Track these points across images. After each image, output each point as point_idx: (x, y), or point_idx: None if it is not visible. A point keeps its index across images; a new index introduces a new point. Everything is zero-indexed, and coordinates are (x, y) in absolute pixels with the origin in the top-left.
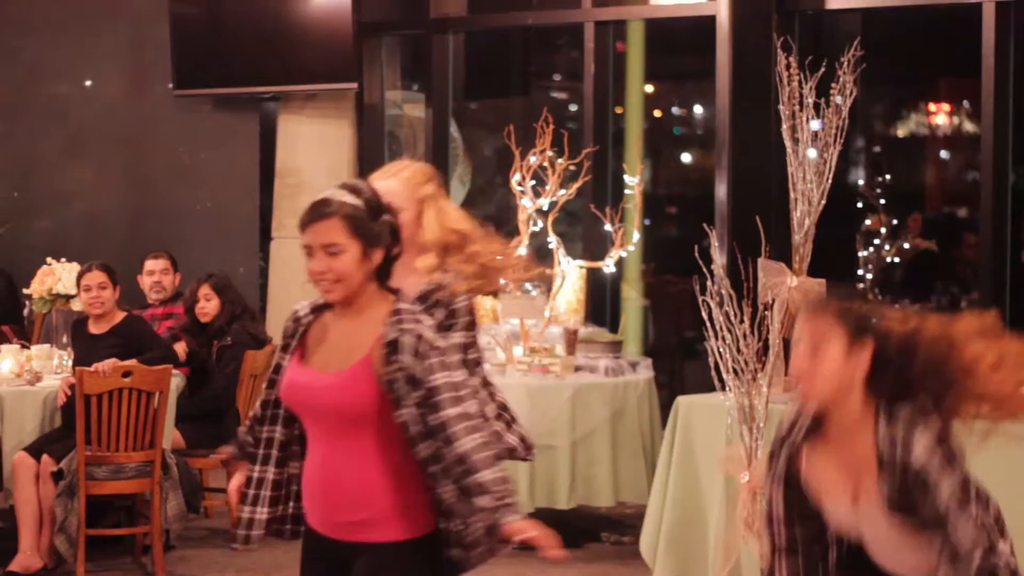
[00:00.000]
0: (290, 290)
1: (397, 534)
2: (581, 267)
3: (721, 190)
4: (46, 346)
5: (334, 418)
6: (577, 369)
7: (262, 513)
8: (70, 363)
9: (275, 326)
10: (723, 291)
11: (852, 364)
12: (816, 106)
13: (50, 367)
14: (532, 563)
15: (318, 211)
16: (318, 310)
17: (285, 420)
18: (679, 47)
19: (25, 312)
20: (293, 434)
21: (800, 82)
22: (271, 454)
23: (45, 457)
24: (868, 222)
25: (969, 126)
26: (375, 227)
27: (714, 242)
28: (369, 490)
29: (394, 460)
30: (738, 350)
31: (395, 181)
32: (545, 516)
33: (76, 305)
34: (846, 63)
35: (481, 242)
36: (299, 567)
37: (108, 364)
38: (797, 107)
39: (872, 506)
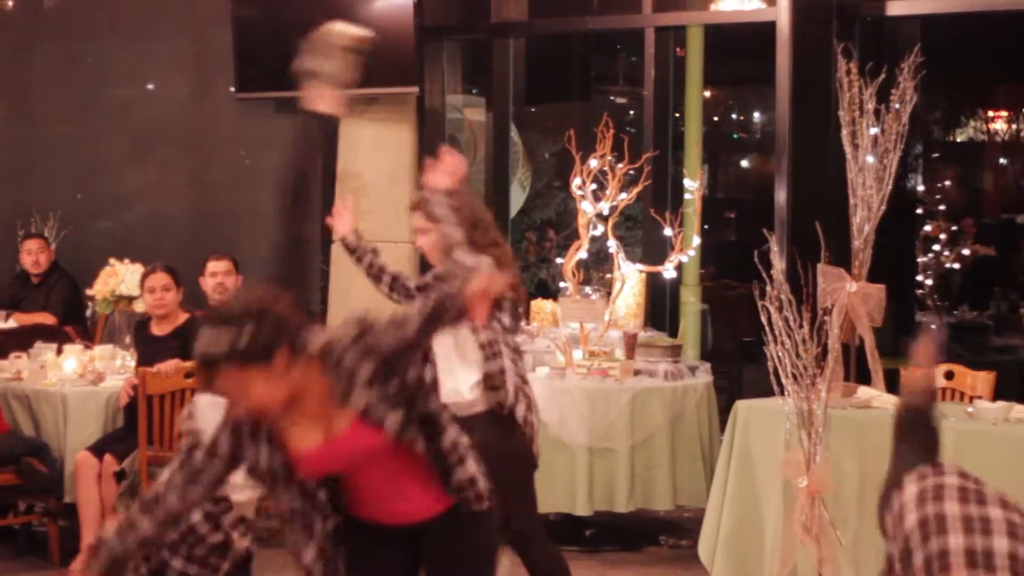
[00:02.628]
0: (351, 293)
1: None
2: (641, 271)
3: (781, 195)
4: (109, 347)
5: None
6: (636, 373)
7: None
8: (133, 364)
9: None
10: (782, 296)
11: None
12: (876, 112)
13: (113, 368)
14: (590, 565)
15: (207, 371)
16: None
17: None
18: (738, 53)
19: (88, 313)
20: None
21: (860, 88)
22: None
23: (107, 457)
24: (927, 228)
25: None
26: (262, 347)
27: (774, 247)
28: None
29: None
30: (797, 355)
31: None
32: (604, 519)
33: (139, 306)
34: (906, 69)
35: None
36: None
37: (170, 365)
38: (857, 113)
39: None
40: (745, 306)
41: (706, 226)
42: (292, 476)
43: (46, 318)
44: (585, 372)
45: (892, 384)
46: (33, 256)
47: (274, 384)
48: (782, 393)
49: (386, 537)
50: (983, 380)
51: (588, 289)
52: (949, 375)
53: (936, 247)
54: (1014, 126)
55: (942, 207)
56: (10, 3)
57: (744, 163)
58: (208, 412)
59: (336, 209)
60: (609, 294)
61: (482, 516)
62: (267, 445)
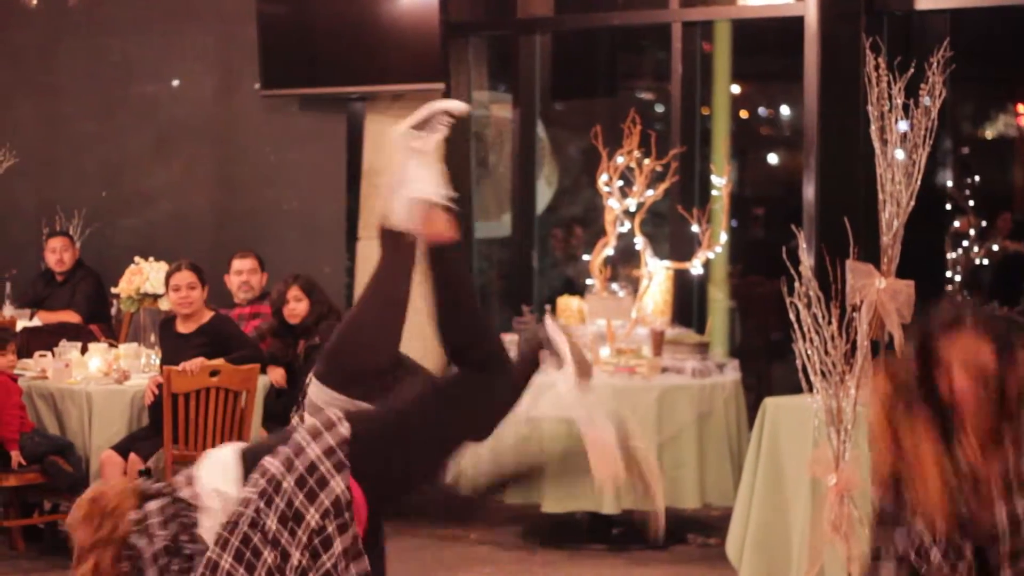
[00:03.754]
0: None
1: None
2: (668, 268)
3: (809, 191)
4: (134, 345)
5: None
6: (664, 370)
7: None
8: (158, 362)
9: None
10: (811, 293)
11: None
12: (905, 107)
13: (138, 366)
14: (617, 564)
15: None
16: None
17: None
18: (766, 48)
19: (113, 311)
20: None
21: (889, 83)
22: None
23: (133, 455)
24: (957, 224)
25: None
26: None
27: (802, 243)
28: None
29: None
30: (826, 352)
31: None
32: (631, 518)
33: (164, 304)
34: (935, 64)
35: None
36: None
37: (196, 363)
38: (886, 108)
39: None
40: (773, 303)
41: (734, 222)
42: None
43: (71, 316)
44: (612, 369)
45: None
46: (57, 255)
47: None
48: (810, 390)
49: None
50: None
51: (615, 286)
52: None
53: (965, 243)
54: None
55: (971, 203)
56: (35, 1)
57: (772, 159)
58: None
59: None
60: (636, 291)
61: None
62: None
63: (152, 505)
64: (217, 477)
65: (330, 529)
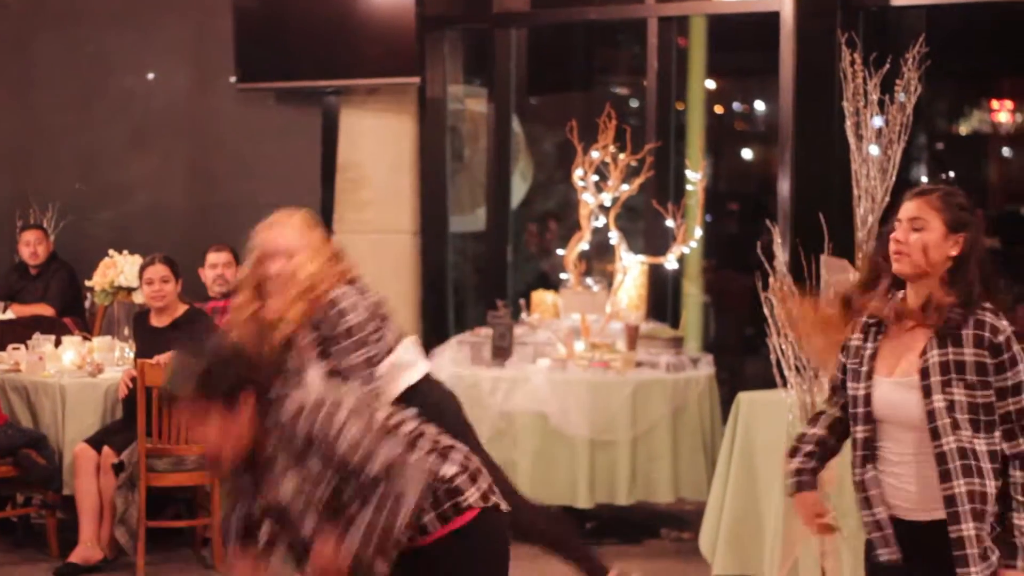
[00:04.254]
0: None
1: None
2: (643, 263)
3: (784, 186)
4: (108, 338)
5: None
6: (638, 365)
7: None
8: (132, 355)
9: None
10: (785, 287)
11: (943, 250)
12: (880, 103)
13: (112, 359)
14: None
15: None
16: None
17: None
18: (741, 43)
19: (87, 304)
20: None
21: (864, 78)
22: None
23: (106, 449)
24: None
25: None
26: (225, 386)
27: (777, 238)
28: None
29: None
30: (800, 347)
31: (287, 228)
32: (605, 512)
33: (138, 298)
34: (911, 60)
35: None
36: None
37: (169, 357)
38: (861, 103)
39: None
40: (748, 298)
41: (709, 217)
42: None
43: (44, 309)
44: (586, 364)
45: None
46: (31, 248)
47: (231, 427)
48: (784, 385)
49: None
50: None
51: (590, 280)
52: None
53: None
54: (1018, 117)
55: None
56: None
57: (747, 154)
58: None
59: None
60: (611, 285)
61: None
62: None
63: None
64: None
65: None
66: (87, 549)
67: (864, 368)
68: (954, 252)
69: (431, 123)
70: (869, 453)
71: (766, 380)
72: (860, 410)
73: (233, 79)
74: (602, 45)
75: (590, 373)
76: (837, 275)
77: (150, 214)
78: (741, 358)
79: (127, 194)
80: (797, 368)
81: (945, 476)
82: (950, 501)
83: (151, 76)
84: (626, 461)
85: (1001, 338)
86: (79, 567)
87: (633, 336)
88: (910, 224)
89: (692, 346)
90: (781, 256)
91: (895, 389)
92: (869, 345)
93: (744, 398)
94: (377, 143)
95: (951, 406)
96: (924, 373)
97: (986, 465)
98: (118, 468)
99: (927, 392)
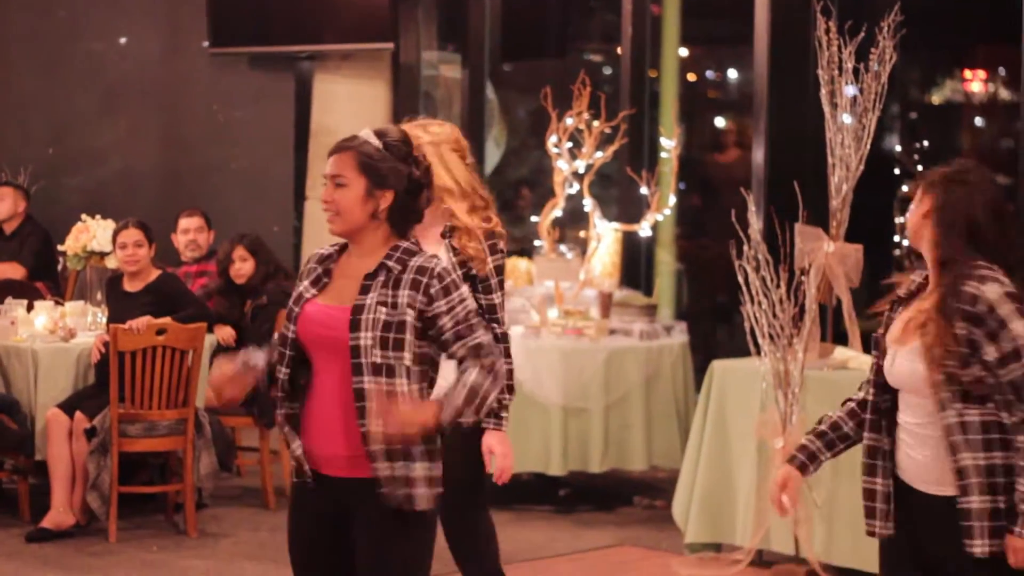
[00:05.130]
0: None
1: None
2: (616, 230)
3: (758, 155)
4: (80, 303)
5: (339, 354)
6: (611, 332)
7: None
8: (104, 320)
9: None
10: (759, 256)
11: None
12: (855, 71)
13: (84, 324)
14: (563, 525)
15: (340, 144)
16: (342, 251)
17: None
18: (715, 11)
19: (59, 268)
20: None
21: (839, 47)
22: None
23: (78, 414)
24: (905, 189)
25: (1005, 93)
26: (385, 168)
27: (751, 207)
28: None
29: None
30: (774, 315)
31: (424, 133)
32: (578, 479)
33: (111, 262)
34: (885, 28)
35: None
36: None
37: (142, 322)
38: (836, 72)
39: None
40: (722, 266)
41: (683, 185)
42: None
43: (14, 270)
44: (560, 331)
45: (868, 346)
46: (5, 203)
47: (363, 203)
48: (758, 353)
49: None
50: None
51: (563, 248)
52: None
53: (913, 207)
54: (991, 86)
55: (920, 168)
56: None
57: (720, 122)
58: None
59: None
60: (584, 253)
61: (411, 518)
62: (308, 280)
63: None
64: None
65: None
66: (59, 514)
67: (884, 337)
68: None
69: (405, 89)
70: (881, 420)
71: (740, 348)
72: (876, 378)
73: (206, 43)
74: (576, 12)
75: (563, 340)
76: (811, 243)
77: (122, 179)
78: (714, 326)
79: (99, 159)
80: (771, 336)
81: (953, 448)
82: (959, 473)
83: (123, 40)
84: (599, 428)
85: (982, 307)
86: (51, 532)
87: (606, 303)
88: (919, 207)
89: (665, 314)
90: (755, 224)
91: (908, 359)
92: (892, 316)
93: (717, 366)
94: (351, 108)
95: (949, 378)
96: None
97: (993, 436)
98: (90, 433)
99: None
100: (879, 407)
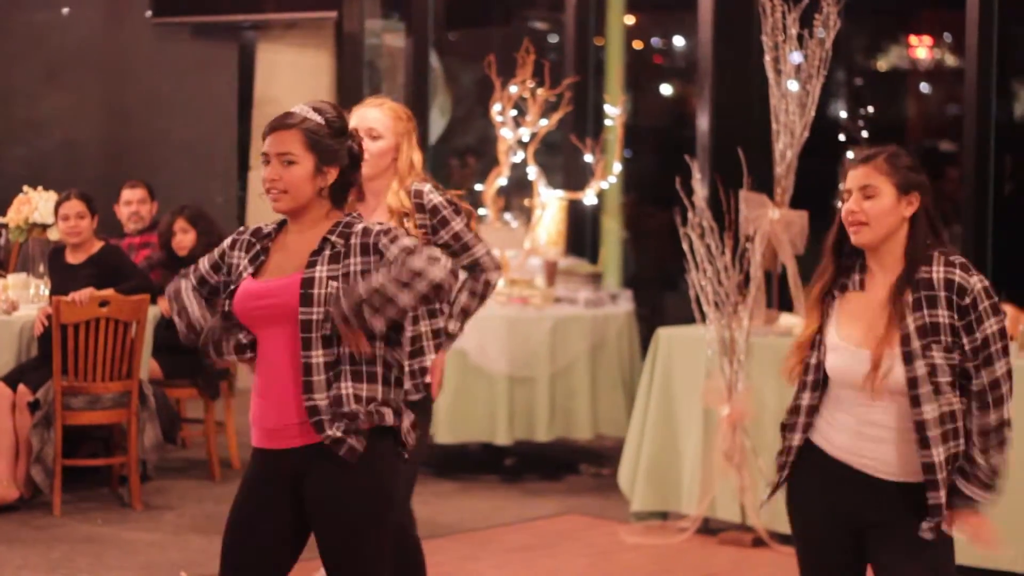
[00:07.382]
0: (268, 221)
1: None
2: (561, 198)
3: (703, 121)
4: (22, 275)
5: (286, 325)
6: (557, 301)
7: None
8: (47, 292)
9: None
10: (704, 223)
11: (898, 213)
12: (799, 38)
13: (27, 296)
14: (510, 494)
15: (280, 121)
16: (280, 228)
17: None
18: None
19: (1, 241)
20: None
21: (783, 13)
22: None
23: (21, 387)
24: (850, 155)
25: (951, 59)
26: (332, 145)
27: (696, 174)
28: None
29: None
30: (719, 282)
31: (378, 111)
32: (524, 448)
33: (53, 234)
34: None
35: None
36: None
37: (85, 294)
38: (780, 38)
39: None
40: (667, 233)
41: (628, 153)
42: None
43: None
44: (505, 300)
45: None
46: None
47: (312, 180)
48: (704, 321)
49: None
50: None
51: (508, 216)
52: None
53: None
54: (937, 52)
55: (865, 134)
56: None
57: (666, 90)
58: None
59: None
60: (529, 221)
61: (362, 467)
62: (246, 256)
63: None
64: None
65: None
66: (2, 488)
67: (821, 334)
68: (908, 213)
69: (349, 58)
70: (812, 421)
71: (685, 316)
72: (815, 377)
73: (148, 13)
74: None
75: (509, 309)
76: (756, 210)
77: (64, 150)
78: (660, 294)
79: (41, 130)
80: (716, 304)
81: (925, 443)
82: (929, 468)
83: (65, 11)
84: (545, 397)
85: (968, 299)
86: None
87: (552, 272)
88: (861, 193)
89: (611, 282)
90: (700, 191)
91: (853, 355)
92: (828, 312)
93: (663, 334)
94: (294, 78)
95: (932, 370)
96: (905, 340)
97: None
98: (34, 406)
99: (908, 359)
100: (813, 408)
